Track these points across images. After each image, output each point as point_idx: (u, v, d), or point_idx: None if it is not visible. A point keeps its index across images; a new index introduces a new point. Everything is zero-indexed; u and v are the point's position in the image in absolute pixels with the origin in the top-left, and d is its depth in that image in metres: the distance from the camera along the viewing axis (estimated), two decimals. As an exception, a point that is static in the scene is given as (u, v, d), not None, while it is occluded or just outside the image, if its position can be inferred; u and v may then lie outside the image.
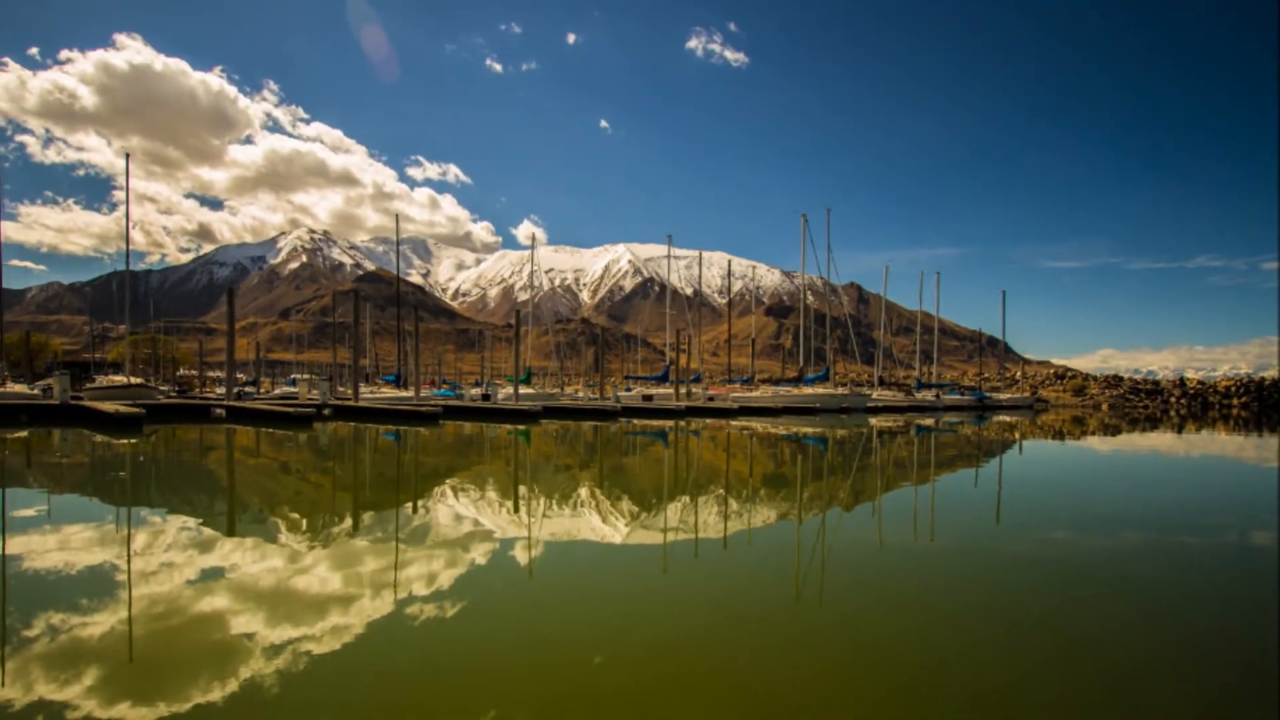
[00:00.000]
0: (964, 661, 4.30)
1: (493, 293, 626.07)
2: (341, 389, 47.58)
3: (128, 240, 38.49)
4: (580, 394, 55.06)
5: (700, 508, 9.69)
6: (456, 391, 54.04)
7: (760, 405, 45.56)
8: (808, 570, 6.29)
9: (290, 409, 28.39)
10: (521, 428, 26.74)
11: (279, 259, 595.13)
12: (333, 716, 3.46)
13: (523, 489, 11.34)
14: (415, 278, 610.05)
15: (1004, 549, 7.49)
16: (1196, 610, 5.49)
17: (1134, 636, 4.83)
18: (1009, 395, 79.51)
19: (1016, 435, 27.66)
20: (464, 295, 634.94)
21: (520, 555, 6.73)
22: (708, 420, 34.10)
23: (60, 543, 6.89)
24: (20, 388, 37.38)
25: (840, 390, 49.83)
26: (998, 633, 4.84)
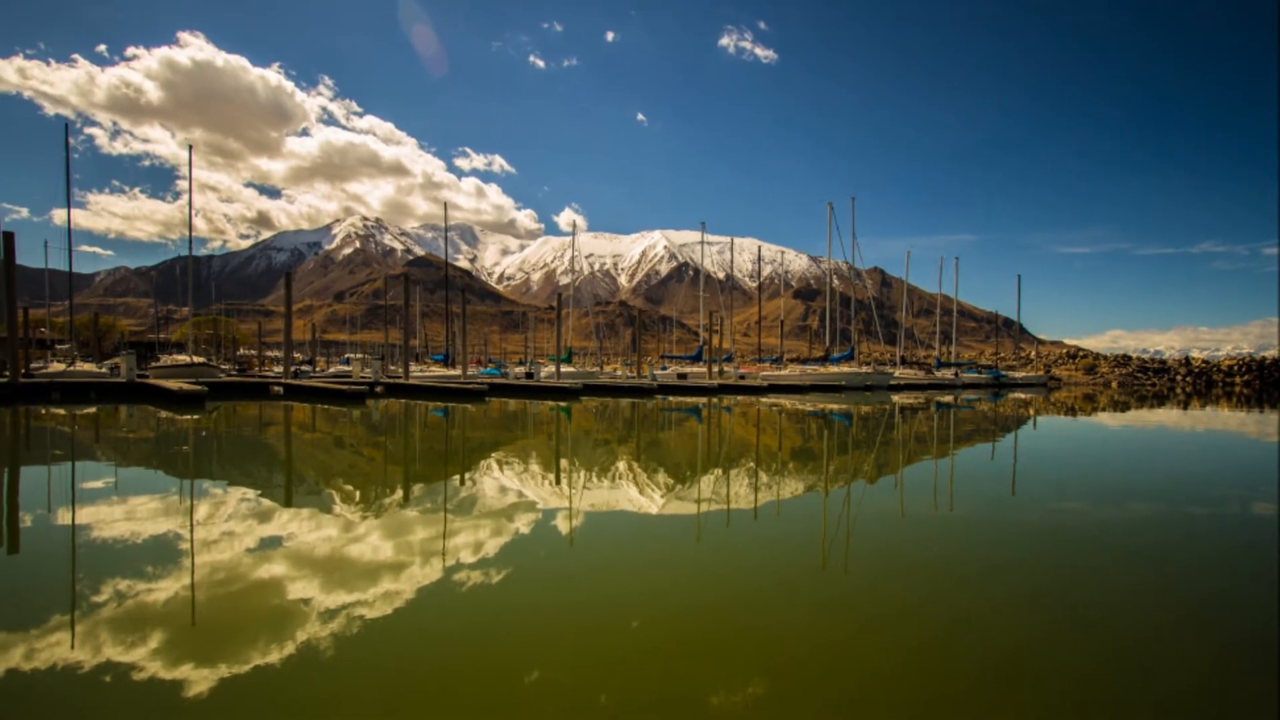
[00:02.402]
0: (981, 625, 4.28)
1: (535, 277, 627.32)
2: (393, 368, 48.12)
3: (190, 227, 39.01)
4: (618, 373, 55.22)
5: (731, 480, 9.61)
6: (501, 370, 54.26)
7: (789, 383, 45.36)
8: (833, 539, 6.21)
9: (344, 387, 28.73)
10: (563, 404, 26.82)
11: (334, 245, 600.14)
12: (384, 677, 3.44)
13: (564, 462, 11.29)
14: (463, 262, 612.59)
15: (1019, 519, 7.42)
16: (1201, 577, 5.44)
17: (1142, 601, 4.78)
18: (1024, 374, 78.53)
19: (1031, 411, 27.26)
20: (508, 279, 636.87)
21: (562, 525, 6.71)
22: (739, 397, 33.93)
23: (127, 513, 6.97)
24: (89, 366, 38.33)
25: (864, 369, 49.42)
26: (1013, 598, 4.80)
